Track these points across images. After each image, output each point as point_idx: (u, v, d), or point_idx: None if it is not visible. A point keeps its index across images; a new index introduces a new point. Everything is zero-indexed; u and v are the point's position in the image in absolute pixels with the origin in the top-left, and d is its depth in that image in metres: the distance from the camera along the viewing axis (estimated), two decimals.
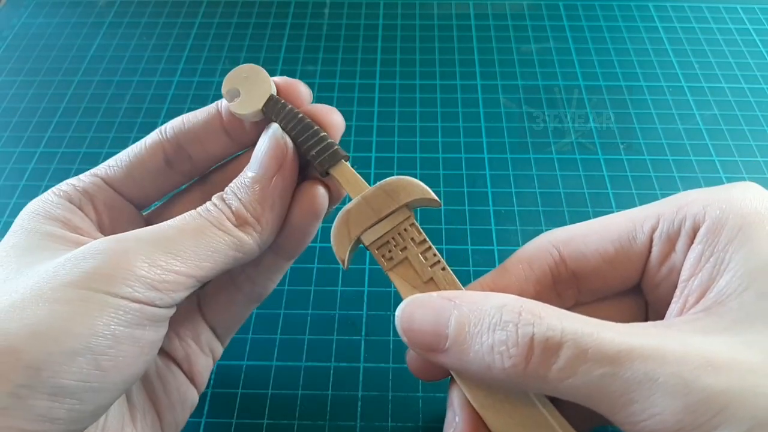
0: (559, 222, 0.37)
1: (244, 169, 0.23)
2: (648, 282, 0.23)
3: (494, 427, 0.20)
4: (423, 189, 0.23)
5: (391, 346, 0.32)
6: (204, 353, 0.25)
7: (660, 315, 0.22)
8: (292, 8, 0.53)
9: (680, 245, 0.21)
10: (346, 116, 0.44)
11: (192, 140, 0.24)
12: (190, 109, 0.47)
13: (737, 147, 0.41)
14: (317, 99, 0.46)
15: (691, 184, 0.39)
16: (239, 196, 0.22)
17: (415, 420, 0.29)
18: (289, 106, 0.24)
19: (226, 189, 0.23)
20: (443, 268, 0.22)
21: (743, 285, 0.18)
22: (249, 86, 0.24)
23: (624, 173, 0.40)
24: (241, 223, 0.22)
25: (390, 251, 0.23)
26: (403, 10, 0.53)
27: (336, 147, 0.23)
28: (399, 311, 0.21)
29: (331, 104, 0.47)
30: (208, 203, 0.22)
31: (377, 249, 0.23)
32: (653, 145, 0.41)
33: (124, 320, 0.18)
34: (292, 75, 0.47)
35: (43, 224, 0.22)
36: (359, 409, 0.30)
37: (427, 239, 0.23)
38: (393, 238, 0.23)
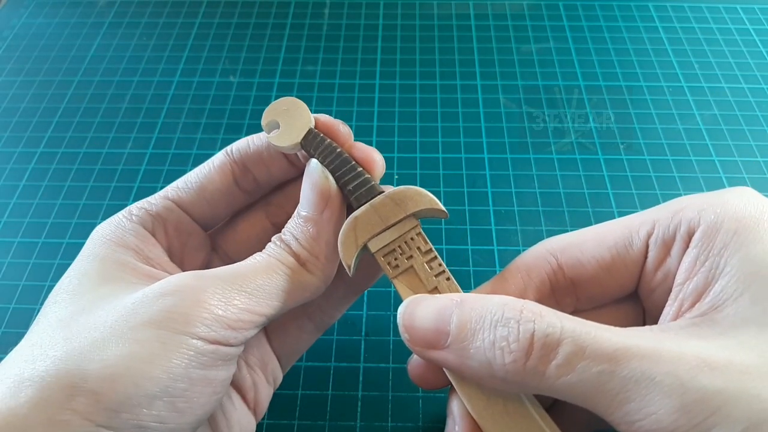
0: (559, 222, 0.37)
1: (297, 208, 0.24)
2: (644, 288, 0.23)
3: None
4: (431, 199, 0.23)
5: (391, 346, 0.32)
6: (268, 382, 0.26)
7: (657, 321, 0.22)
8: (292, 8, 0.53)
9: (675, 250, 0.21)
10: (347, 116, 0.44)
11: (256, 162, 0.25)
12: (190, 110, 0.47)
13: (737, 147, 0.41)
14: (317, 99, 0.46)
15: (691, 184, 0.39)
16: (296, 236, 0.23)
17: (415, 420, 0.29)
18: (328, 140, 0.24)
19: (284, 230, 0.23)
20: (448, 278, 0.23)
21: (739, 290, 0.19)
22: (288, 119, 0.25)
23: (624, 173, 0.40)
24: (302, 262, 0.22)
25: (396, 259, 0.23)
26: (403, 10, 0.53)
27: (372, 183, 0.24)
28: (401, 309, 0.21)
29: (330, 104, 0.47)
30: (270, 244, 0.23)
31: (383, 256, 0.23)
32: (653, 145, 0.41)
33: (199, 362, 0.19)
34: (292, 75, 0.47)
35: (115, 252, 0.22)
36: (359, 409, 0.30)
37: (433, 249, 0.23)
38: (399, 246, 0.23)
